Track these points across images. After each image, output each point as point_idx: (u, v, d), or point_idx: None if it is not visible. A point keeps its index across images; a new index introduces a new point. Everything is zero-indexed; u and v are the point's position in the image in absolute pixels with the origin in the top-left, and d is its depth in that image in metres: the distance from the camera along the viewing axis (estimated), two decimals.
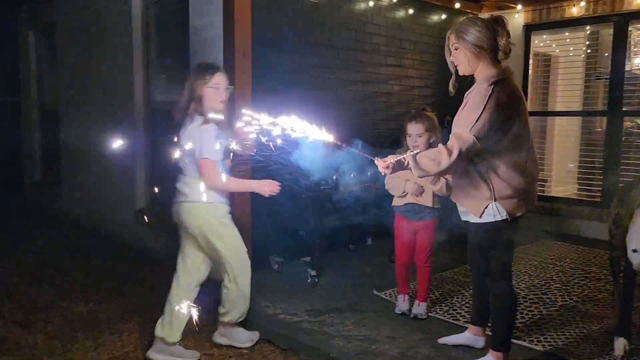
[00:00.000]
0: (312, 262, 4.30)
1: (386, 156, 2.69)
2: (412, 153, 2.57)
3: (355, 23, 5.26)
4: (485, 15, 6.46)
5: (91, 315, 3.81)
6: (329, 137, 2.65)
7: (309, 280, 4.22)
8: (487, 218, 2.65)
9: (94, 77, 6.06)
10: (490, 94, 2.53)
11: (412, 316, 3.53)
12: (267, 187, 3.12)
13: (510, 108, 2.58)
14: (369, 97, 5.46)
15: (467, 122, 2.52)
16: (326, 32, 5.00)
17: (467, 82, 2.75)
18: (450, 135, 2.58)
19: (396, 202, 3.54)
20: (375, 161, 2.69)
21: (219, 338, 3.36)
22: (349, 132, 5.03)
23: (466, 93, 2.71)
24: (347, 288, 4.15)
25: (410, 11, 5.77)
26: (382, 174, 2.73)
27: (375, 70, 5.51)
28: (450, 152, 2.50)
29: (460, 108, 2.69)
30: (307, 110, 4.76)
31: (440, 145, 2.56)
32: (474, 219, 2.72)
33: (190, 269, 3.22)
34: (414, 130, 3.34)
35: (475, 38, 2.60)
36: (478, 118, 2.50)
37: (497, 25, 2.64)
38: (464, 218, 2.83)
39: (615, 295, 3.34)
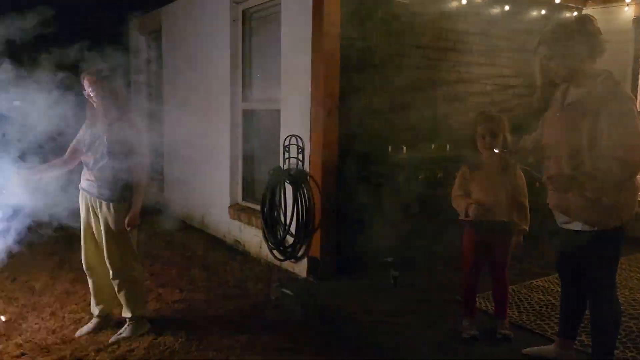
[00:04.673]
0: (394, 262, 4.29)
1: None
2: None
3: (445, 22, 5.15)
4: (589, 10, 6.07)
5: (183, 302, 4.07)
6: None
7: (392, 281, 4.22)
8: (607, 225, 2.56)
9: (195, 79, 6.44)
10: (624, 96, 2.51)
11: (499, 337, 3.24)
12: None
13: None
14: (460, 98, 5.33)
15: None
16: (415, 32, 4.94)
17: None
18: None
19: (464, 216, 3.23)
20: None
21: None
22: (438, 133, 4.97)
23: (573, 100, 2.65)
24: (429, 290, 4.10)
25: (507, 7, 5.54)
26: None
27: (467, 70, 5.35)
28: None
29: (570, 112, 2.62)
30: (394, 111, 4.80)
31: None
32: (580, 227, 2.62)
33: None
34: (488, 130, 3.14)
35: (570, 43, 2.56)
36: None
37: (586, 25, 2.56)
38: (567, 226, 2.71)
39: None
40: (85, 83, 3.36)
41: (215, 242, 5.79)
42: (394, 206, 4.53)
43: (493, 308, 3.45)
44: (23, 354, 3.22)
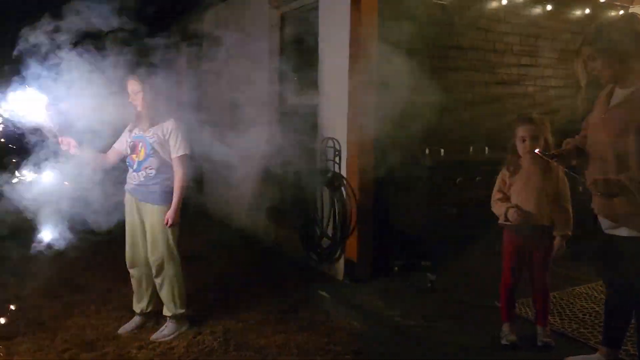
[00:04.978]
0: (431, 266, 4.25)
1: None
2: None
3: (485, 22, 5.07)
4: (635, 8, 5.87)
5: (221, 302, 4.14)
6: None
7: (428, 285, 4.18)
8: None
9: (235, 82, 6.52)
10: None
11: (540, 344, 3.16)
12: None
13: None
14: (499, 99, 5.23)
15: None
16: (454, 32, 4.88)
17: None
18: None
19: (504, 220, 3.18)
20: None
21: None
22: (477, 136, 4.90)
23: (619, 101, 2.57)
24: (466, 295, 4.04)
25: (549, 7, 5.42)
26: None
27: (507, 71, 5.26)
28: None
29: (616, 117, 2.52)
30: (431, 114, 4.76)
31: None
32: (627, 233, 2.54)
33: None
34: (529, 133, 3.08)
35: (616, 42, 2.48)
36: None
37: (633, 24, 2.49)
38: (612, 232, 2.63)
39: None
40: (129, 86, 3.46)
41: (253, 243, 5.84)
42: (431, 209, 4.49)
43: (533, 314, 3.37)
44: (68, 350, 3.33)
